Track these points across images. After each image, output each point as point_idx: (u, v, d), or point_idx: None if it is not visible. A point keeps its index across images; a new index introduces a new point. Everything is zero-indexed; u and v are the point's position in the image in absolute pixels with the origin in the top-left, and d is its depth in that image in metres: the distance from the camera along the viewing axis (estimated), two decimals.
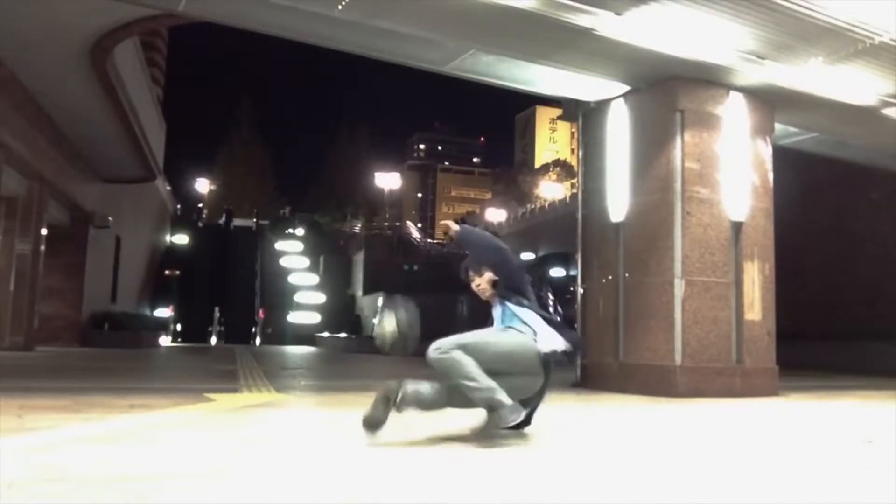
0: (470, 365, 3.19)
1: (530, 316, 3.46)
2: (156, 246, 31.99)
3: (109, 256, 20.67)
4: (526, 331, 3.43)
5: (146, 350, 18.18)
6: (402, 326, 3.33)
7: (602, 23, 6.05)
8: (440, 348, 3.23)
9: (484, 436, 3.30)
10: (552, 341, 3.40)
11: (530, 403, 3.48)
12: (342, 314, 33.39)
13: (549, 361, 3.41)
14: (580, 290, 8.10)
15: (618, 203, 7.54)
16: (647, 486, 2.59)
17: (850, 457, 3.40)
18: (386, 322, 3.36)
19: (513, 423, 3.21)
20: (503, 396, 3.17)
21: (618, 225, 7.52)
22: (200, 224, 43.16)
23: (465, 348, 3.24)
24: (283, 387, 7.30)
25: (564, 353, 3.43)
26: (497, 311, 3.61)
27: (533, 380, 3.43)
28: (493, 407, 3.18)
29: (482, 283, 3.64)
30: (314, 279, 36.48)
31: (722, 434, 4.41)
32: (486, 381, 3.18)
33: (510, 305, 3.52)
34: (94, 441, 3.23)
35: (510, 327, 3.47)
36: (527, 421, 3.51)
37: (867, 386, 8.81)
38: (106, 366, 10.64)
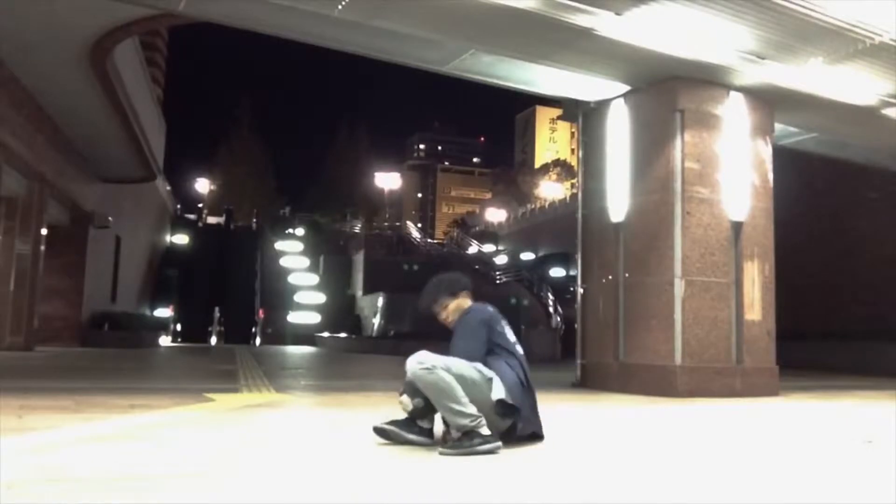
0: (458, 388, 3.07)
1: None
2: (156, 246, 31.98)
3: (109, 256, 20.67)
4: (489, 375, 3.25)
5: (146, 350, 18.17)
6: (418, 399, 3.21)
7: (602, 23, 6.05)
8: (424, 363, 3.09)
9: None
10: (499, 391, 3.21)
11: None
12: (342, 314, 33.37)
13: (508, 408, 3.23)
14: (580, 290, 8.10)
15: (618, 203, 7.54)
16: (646, 486, 2.59)
17: (850, 457, 3.40)
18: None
19: (482, 452, 2.99)
20: (485, 428, 3.05)
21: (618, 225, 7.52)
22: (200, 224, 43.16)
23: (448, 370, 3.11)
24: (283, 387, 7.29)
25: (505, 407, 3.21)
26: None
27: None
28: (470, 435, 3.03)
29: (447, 314, 3.52)
30: (314, 279, 36.46)
31: (722, 434, 4.41)
32: (472, 408, 3.06)
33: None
34: (94, 441, 3.23)
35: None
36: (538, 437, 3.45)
37: (867, 386, 8.81)
38: (106, 366, 10.64)
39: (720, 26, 6.19)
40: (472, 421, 3.04)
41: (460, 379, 3.12)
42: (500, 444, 3.06)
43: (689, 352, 6.80)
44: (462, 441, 3.03)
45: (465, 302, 3.54)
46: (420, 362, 3.11)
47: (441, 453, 2.99)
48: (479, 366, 3.25)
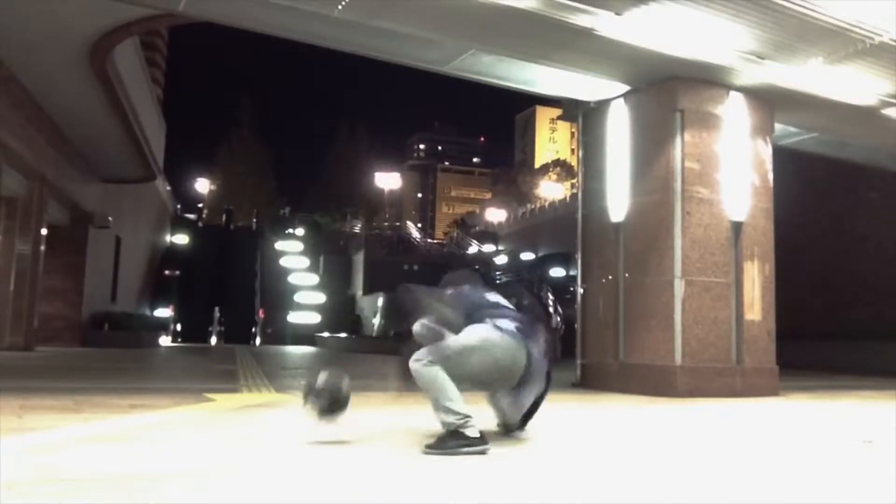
0: (451, 389, 3.06)
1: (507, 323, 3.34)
2: (156, 246, 32.00)
3: (109, 256, 20.67)
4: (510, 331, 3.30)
5: (146, 350, 18.17)
6: (328, 390, 3.26)
7: (602, 23, 6.05)
8: (421, 360, 3.12)
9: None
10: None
11: (524, 409, 3.44)
12: (342, 314, 33.40)
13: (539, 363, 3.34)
14: (580, 290, 8.09)
15: (618, 203, 7.54)
16: (645, 486, 2.59)
17: (850, 457, 3.40)
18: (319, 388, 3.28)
19: (466, 454, 2.96)
20: (471, 431, 3.02)
21: (618, 225, 7.52)
22: (200, 224, 43.18)
23: (447, 361, 3.11)
24: (282, 387, 7.29)
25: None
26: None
27: (528, 387, 3.37)
28: (455, 436, 3.00)
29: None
30: (314, 279, 36.51)
31: (721, 434, 4.40)
32: (461, 407, 3.04)
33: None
34: (94, 441, 3.23)
35: (497, 327, 3.29)
36: (521, 425, 3.49)
37: (867, 386, 8.81)
38: (106, 366, 10.64)
39: (720, 26, 6.19)
40: (458, 419, 3.02)
41: (466, 354, 3.17)
42: (487, 446, 3.01)
43: (689, 352, 6.80)
44: (446, 441, 3.01)
45: None
46: (417, 359, 3.14)
47: (426, 449, 2.98)
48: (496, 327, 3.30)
